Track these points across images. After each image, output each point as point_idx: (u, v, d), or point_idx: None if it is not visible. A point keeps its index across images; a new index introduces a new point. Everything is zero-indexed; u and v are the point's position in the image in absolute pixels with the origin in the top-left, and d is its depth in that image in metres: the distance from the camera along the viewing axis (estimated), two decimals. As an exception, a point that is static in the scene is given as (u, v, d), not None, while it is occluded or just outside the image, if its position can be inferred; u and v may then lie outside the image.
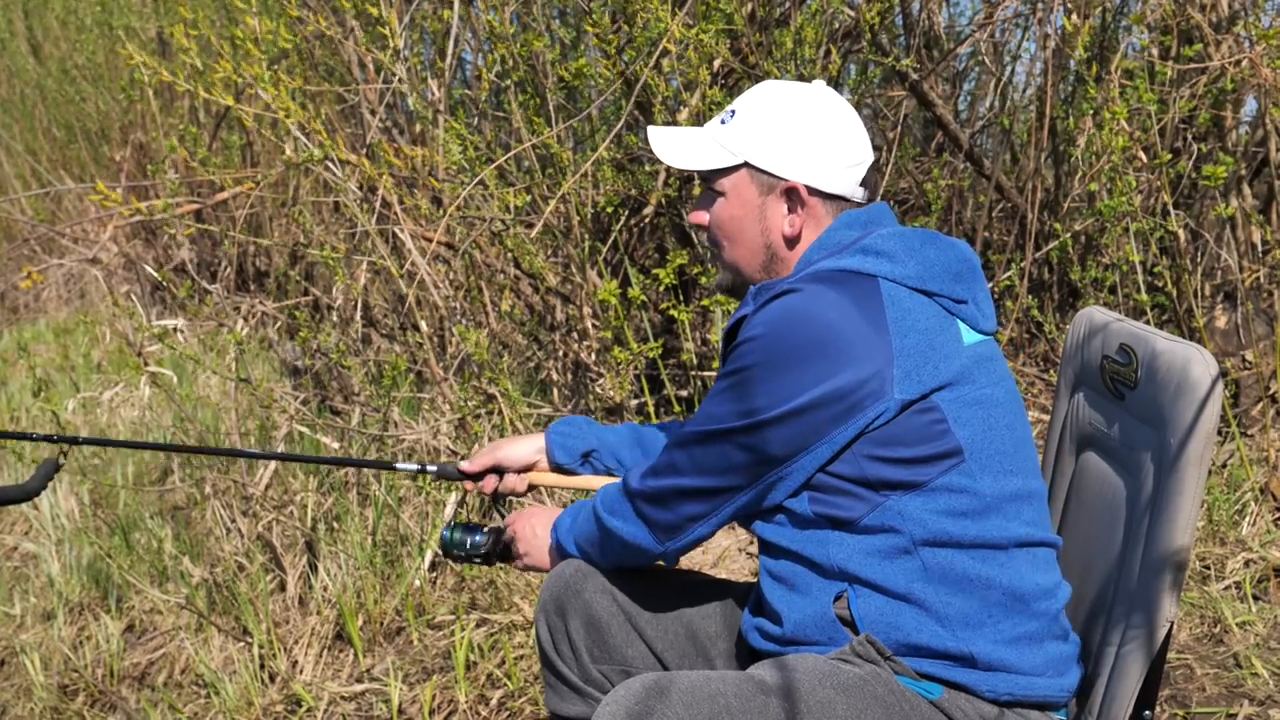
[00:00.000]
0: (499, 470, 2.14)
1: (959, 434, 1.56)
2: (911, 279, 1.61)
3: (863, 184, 1.74)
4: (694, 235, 3.66)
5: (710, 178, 1.77)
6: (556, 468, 2.12)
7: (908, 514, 1.56)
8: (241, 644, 3.38)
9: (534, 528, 1.99)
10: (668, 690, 1.49)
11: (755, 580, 1.80)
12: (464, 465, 2.16)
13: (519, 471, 2.13)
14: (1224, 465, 3.29)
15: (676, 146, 1.81)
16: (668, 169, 3.62)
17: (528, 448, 2.13)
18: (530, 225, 3.65)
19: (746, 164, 1.73)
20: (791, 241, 1.74)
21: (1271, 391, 3.36)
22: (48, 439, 2.33)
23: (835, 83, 3.71)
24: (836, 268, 1.63)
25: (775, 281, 1.69)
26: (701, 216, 1.80)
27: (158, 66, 3.52)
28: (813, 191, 1.71)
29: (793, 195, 1.72)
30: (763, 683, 1.53)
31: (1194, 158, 3.63)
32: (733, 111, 1.76)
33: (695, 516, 1.69)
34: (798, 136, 1.71)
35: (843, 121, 1.73)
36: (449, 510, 3.56)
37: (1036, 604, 1.60)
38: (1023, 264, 3.83)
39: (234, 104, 3.50)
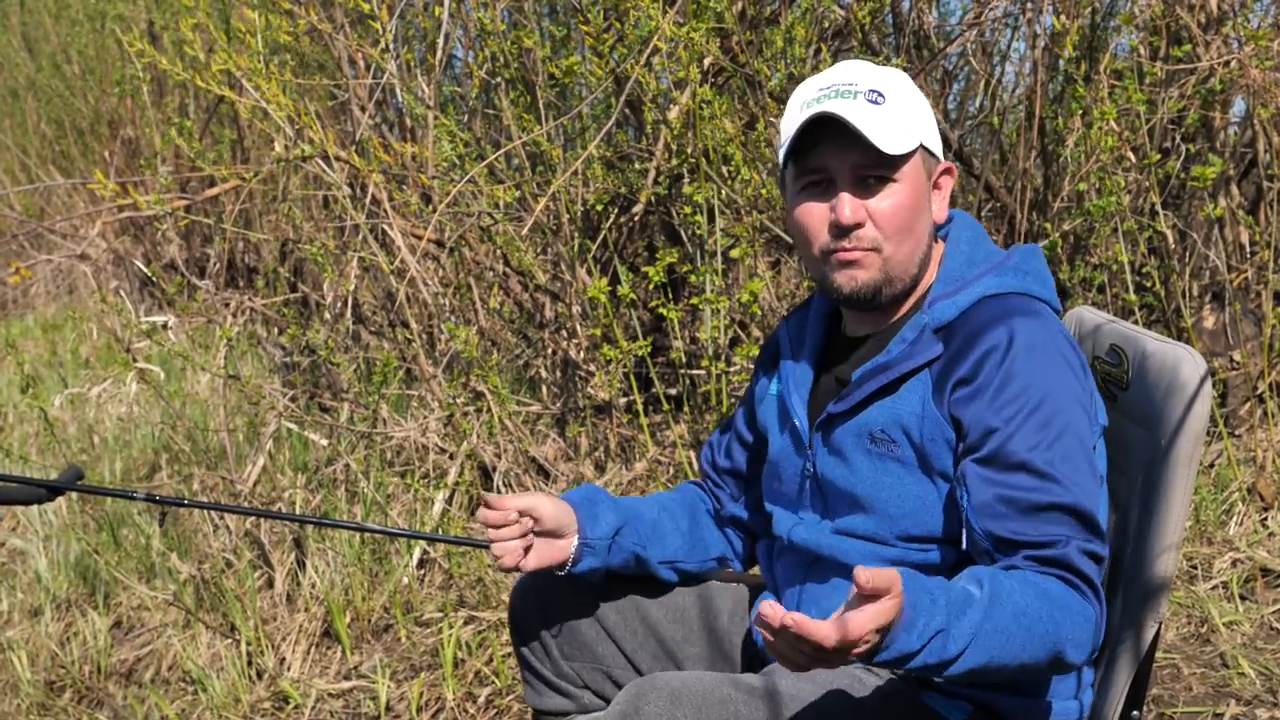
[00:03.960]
0: None
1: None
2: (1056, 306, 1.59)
3: None
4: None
5: (892, 165, 1.52)
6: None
7: None
8: (229, 641, 3.37)
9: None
10: (680, 695, 1.42)
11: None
12: None
13: None
14: (1211, 465, 3.30)
15: (876, 129, 1.50)
16: (658, 167, 3.62)
17: None
18: (520, 222, 3.65)
19: (921, 146, 1.56)
20: (938, 231, 1.64)
21: (1259, 392, 3.37)
22: (151, 499, 2.31)
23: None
24: (1020, 290, 1.55)
25: (946, 305, 1.54)
26: (860, 213, 1.52)
27: (154, 53, 3.51)
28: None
29: (945, 178, 1.62)
30: (780, 690, 1.48)
31: (1182, 158, 3.64)
32: (876, 92, 1.52)
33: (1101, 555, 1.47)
34: (932, 119, 1.59)
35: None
36: (437, 508, 3.56)
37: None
38: (1012, 263, 3.82)
39: (230, 93, 3.49)
